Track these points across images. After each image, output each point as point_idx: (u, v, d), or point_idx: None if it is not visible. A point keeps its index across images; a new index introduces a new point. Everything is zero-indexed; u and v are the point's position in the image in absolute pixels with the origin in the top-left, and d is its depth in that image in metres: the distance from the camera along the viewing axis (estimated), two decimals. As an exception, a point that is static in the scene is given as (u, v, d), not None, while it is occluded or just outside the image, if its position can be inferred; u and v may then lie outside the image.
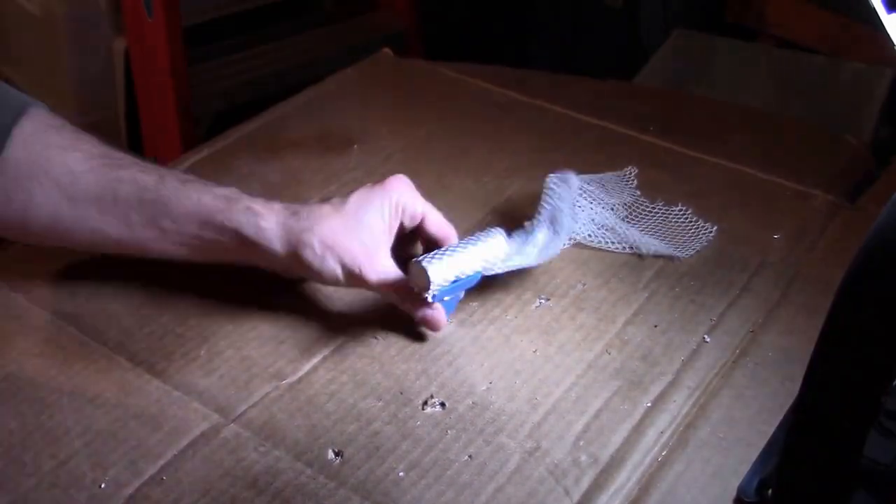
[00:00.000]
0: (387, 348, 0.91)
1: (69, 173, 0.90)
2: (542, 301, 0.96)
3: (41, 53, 2.27)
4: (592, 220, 1.03)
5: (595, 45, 2.29)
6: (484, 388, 0.86)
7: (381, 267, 0.90)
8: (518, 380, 0.87)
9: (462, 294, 0.94)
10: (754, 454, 0.80)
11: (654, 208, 1.08)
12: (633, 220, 1.06)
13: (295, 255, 0.89)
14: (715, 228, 1.05)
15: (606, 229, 1.03)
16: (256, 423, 0.83)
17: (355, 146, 1.21)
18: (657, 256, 1.02)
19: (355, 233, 0.90)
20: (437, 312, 0.91)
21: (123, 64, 2.13)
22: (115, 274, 0.98)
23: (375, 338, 0.92)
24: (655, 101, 1.38)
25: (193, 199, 0.90)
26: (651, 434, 0.82)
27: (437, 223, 0.95)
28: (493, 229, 0.93)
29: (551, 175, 1.00)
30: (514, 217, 1.07)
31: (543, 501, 0.76)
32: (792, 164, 1.18)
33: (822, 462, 0.57)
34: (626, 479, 0.78)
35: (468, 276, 0.90)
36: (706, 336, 0.92)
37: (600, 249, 1.02)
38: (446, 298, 0.90)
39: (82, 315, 0.93)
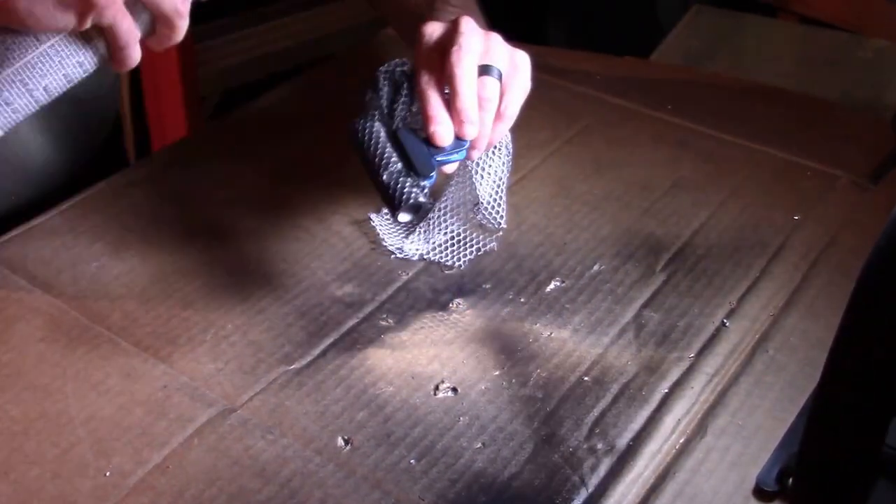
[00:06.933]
0: (397, 331, 0.89)
1: None
2: (558, 283, 0.95)
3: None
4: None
5: (612, 22, 2.28)
6: (497, 372, 0.85)
7: None
8: (532, 364, 0.86)
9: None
10: (774, 442, 0.79)
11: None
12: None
13: None
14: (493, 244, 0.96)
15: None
16: (264, 409, 0.81)
17: (367, 125, 1.20)
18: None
19: None
20: None
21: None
22: (119, 257, 0.97)
23: (385, 321, 0.90)
24: (673, 78, 1.36)
25: None
26: (668, 421, 0.81)
27: None
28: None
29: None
30: (529, 196, 1.05)
31: (559, 490, 0.75)
32: (814, 143, 1.16)
33: (844, 450, 0.57)
34: (644, 467, 0.77)
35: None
36: (725, 320, 0.91)
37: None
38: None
39: (85, 299, 0.92)
